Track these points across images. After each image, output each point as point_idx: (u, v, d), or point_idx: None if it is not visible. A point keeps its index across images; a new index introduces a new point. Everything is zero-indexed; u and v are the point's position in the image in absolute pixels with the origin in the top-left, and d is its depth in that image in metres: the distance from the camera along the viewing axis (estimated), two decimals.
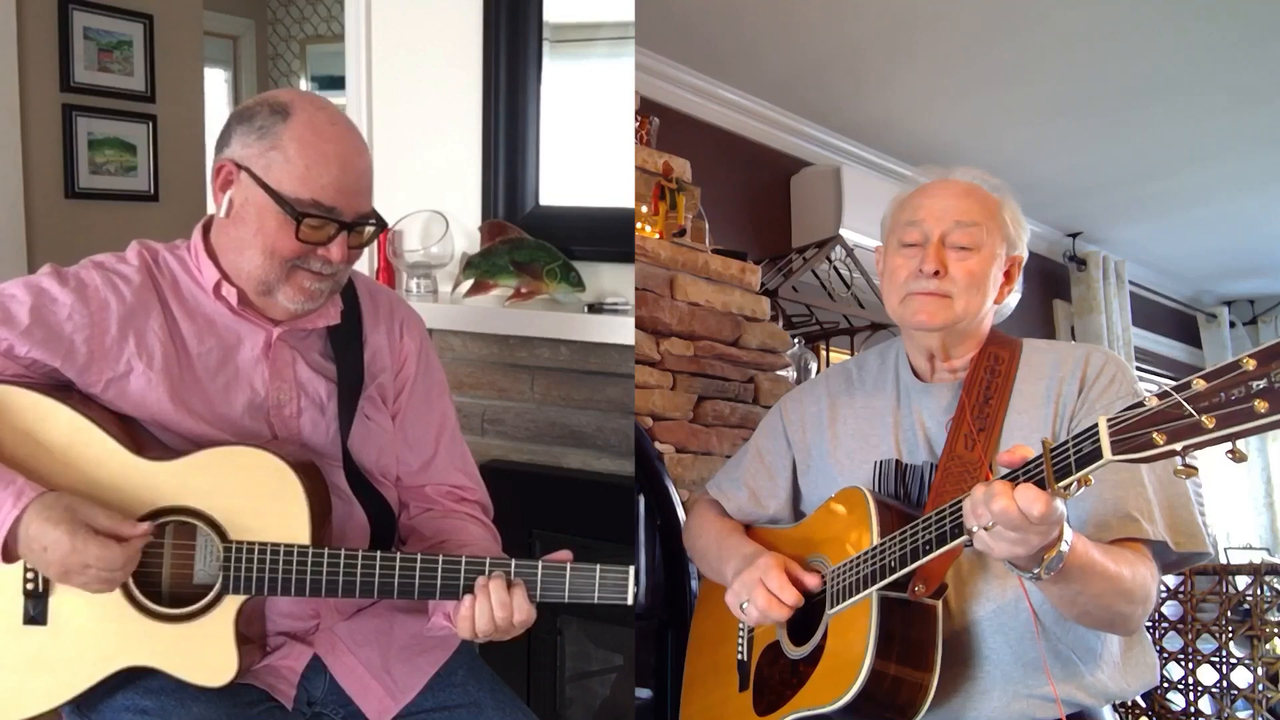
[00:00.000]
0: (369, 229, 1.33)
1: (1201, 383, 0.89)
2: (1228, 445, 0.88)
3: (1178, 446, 0.91)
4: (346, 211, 1.28)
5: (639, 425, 2.32)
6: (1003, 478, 1.06)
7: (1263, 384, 0.85)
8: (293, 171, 1.25)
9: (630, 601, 1.23)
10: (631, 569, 1.24)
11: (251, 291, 1.32)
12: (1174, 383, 0.93)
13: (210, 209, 1.34)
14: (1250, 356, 0.86)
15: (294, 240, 1.26)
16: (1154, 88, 3.62)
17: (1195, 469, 0.92)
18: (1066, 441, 1.01)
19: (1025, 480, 1.03)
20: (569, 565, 1.25)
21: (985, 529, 1.05)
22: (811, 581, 1.33)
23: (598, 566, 1.24)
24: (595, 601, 1.24)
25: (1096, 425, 0.97)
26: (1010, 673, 1.28)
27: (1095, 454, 0.97)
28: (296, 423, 1.36)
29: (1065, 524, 1.09)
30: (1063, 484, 1.00)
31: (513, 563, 1.25)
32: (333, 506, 1.34)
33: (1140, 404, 0.94)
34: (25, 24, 3.01)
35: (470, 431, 2.27)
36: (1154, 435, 0.92)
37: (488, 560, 1.24)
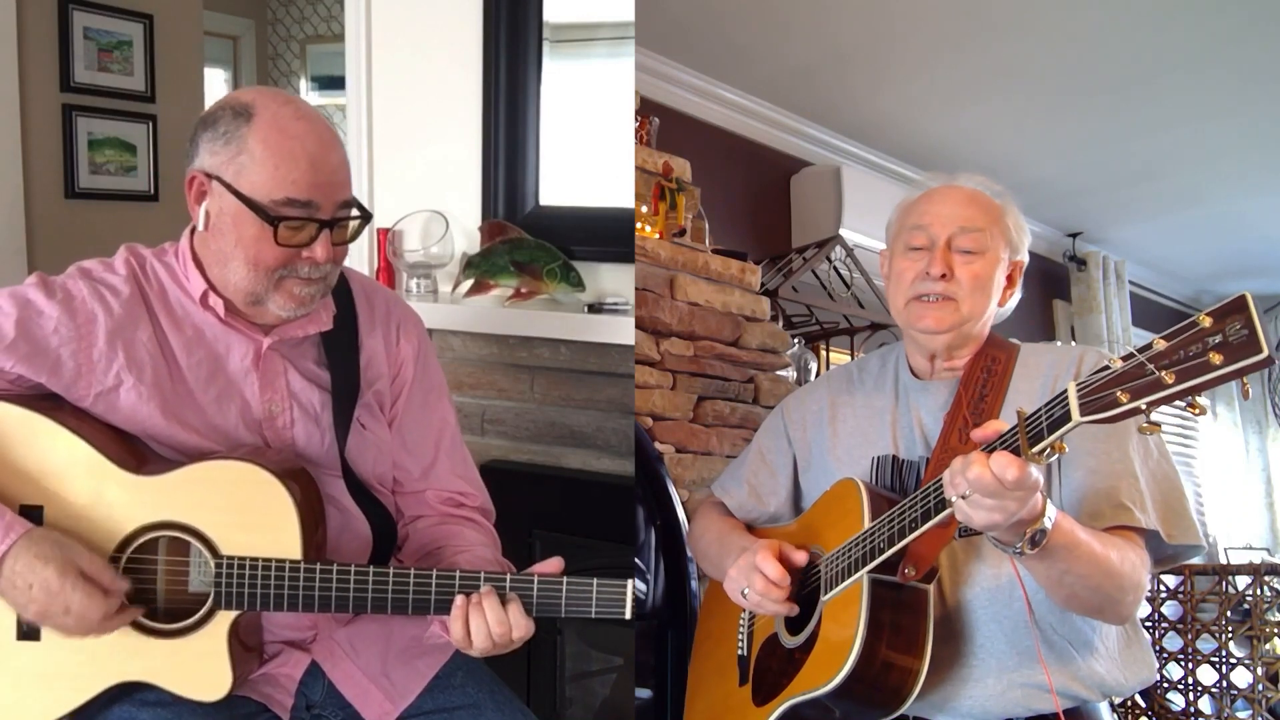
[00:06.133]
0: (353, 223, 1.29)
1: (1162, 343, 0.93)
2: (1188, 399, 0.92)
3: (1141, 404, 0.95)
4: (324, 206, 1.24)
5: (639, 425, 2.32)
6: (981, 449, 1.08)
7: (1218, 339, 0.88)
8: (262, 173, 1.21)
9: (629, 616, 1.21)
10: (630, 582, 1.21)
11: (240, 302, 1.29)
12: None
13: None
14: (1207, 314, 0.90)
15: (275, 246, 1.22)
16: (1154, 88, 3.62)
17: (1159, 425, 0.96)
18: (1039, 409, 1.04)
19: (1002, 449, 1.06)
20: (565, 580, 1.22)
21: (963, 497, 1.07)
22: (799, 558, 1.35)
23: (594, 580, 1.22)
24: (593, 616, 1.21)
25: (1066, 391, 1.01)
26: (1004, 660, 1.29)
27: (1065, 417, 1.01)
28: (290, 434, 1.34)
29: (1048, 502, 1.11)
30: (1036, 449, 1.03)
31: (508, 578, 1.22)
32: (330, 517, 1.32)
33: (1106, 368, 0.98)
34: (25, 24, 3.01)
35: (470, 431, 2.27)
36: (1118, 395, 0.96)
37: (481, 574, 1.21)
